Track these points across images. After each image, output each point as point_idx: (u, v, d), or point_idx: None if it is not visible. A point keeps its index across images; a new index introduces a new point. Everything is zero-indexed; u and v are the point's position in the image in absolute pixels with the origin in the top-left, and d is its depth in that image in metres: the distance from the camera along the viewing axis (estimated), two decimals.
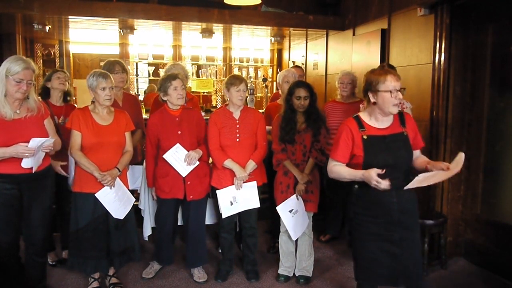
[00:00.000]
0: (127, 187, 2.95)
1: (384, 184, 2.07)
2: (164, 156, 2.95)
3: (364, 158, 2.19)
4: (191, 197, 3.05)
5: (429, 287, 2.39)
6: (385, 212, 2.22)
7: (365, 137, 2.21)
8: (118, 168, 2.81)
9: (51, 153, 2.63)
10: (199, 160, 3.02)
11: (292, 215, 3.04)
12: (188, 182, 3.03)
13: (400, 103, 3.22)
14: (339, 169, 2.27)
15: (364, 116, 2.30)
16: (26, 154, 2.42)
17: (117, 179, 2.83)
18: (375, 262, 2.27)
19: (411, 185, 2.10)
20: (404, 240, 2.23)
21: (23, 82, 2.45)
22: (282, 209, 3.05)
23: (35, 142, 2.43)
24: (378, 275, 2.28)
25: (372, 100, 2.22)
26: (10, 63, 2.44)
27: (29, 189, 2.56)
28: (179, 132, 3.01)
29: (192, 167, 2.99)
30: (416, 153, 2.34)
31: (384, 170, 2.08)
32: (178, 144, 2.96)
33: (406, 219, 2.23)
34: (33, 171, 2.53)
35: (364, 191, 2.24)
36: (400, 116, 2.29)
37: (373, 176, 2.07)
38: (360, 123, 2.25)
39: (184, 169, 2.97)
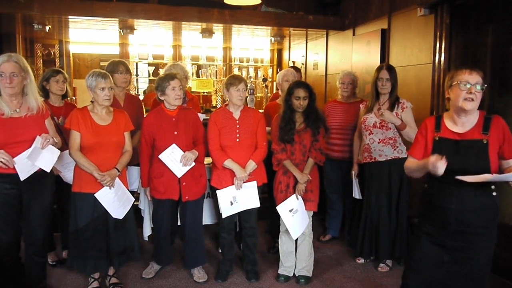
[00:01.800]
0: (127, 187, 2.95)
1: (440, 168, 1.96)
2: (160, 156, 2.95)
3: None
4: (187, 197, 3.05)
5: None
6: (441, 217, 2.11)
7: (436, 138, 2.14)
8: (117, 168, 2.81)
9: (52, 142, 2.62)
10: (195, 161, 3.01)
11: (292, 214, 3.04)
12: (184, 183, 3.03)
13: (400, 102, 3.27)
14: (407, 163, 2.23)
15: (445, 116, 2.18)
16: (2, 160, 2.40)
17: (117, 179, 2.83)
18: (420, 263, 2.19)
19: (467, 178, 1.95)
20: (456, 250, 2.09)
21: (5, 75, 2.43)
22: (282, 209, 3.05)
23: (24, 153, 2.44)
24: (421, 277, 2.19)
25: (446, 96, 2.14)
26: None
27: (28, 189, 2.56)
28: (175, 133, 3.00)
29: (187, 168, 2.98)
30: (507, 163, 2.06)
31: (443, 158, 1.96)
32: (174, 145, 2.96)
33: (464, 231, 2.07)
34: (48, 171, 2.56)
35: (428, 191, 2.18)
36: (486, 121, 2.07)
37: (431, 159, 1.97)
38: (438, 123, 2.16)
39: (179, 170, 2.97)
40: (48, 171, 2.57)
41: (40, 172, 2.59)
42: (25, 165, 2.49)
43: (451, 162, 1.99)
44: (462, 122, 2.10)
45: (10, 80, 2.44)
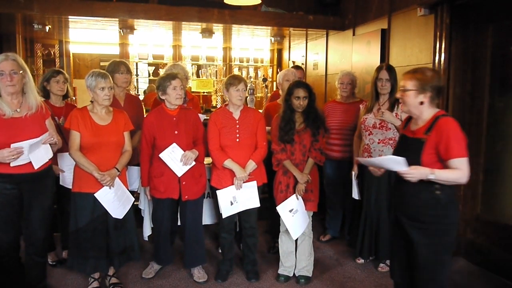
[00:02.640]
0: (126, 186, 2.95)
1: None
2: (161, 155, 2.95)
3: (393, 150, 2.38)
4: (186, 197, 3.05)
5: None
6: (395, 211, 2.30)
7: (401, 135, 2.37)
8: (117, 168, 2.81)
9: (53, 150, 2.62)
10: (195, 160, 3.01)
11: (292, 214, 3.04)
12: (184, 182, 3.03)
13: (400, 103, 3.26)
14: None
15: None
16: (13, 157, 2.40)
17: (116, 178, 2.83)
18: (394, 257, 2.41)
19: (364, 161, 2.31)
20: (408, 242, 2.23)
21: (5, 74, 2.43)
22: (282, 209, 3.05)
23: (25, 143, 2.43)
24: (392, 267, 2.40)
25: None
26: None
27: (29, 189, 2.56)
28: (176, 132, 3.01)
29: (188, 167, 2.99)
30: (449, 163, 2.09)
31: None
32: (174, 144, 2.96)
33: (411, 224, 2.20)
34: (35, 168, 2.52)
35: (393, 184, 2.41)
36: (433, 122, 2.15)
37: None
38: (407, 122, 2.36)
39: (179, 169, 2.97)
40: (36, 168, 2.53)
41: (41, 172, 2.59)
42: (36, 154, 2.49)
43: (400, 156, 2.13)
44: (416, 122, 2.25)
45: (11, 78, 2.45)
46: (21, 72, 2.50)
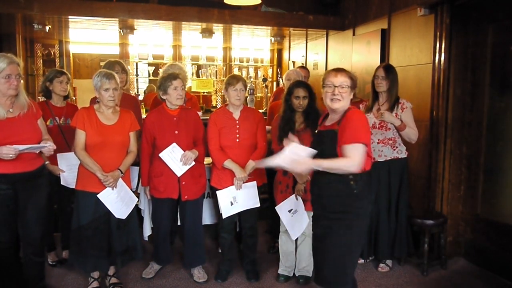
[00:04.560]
0: (130, 187, 2.95)
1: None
2: (160, 154, 2.95)
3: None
4: (186, 197, 3.05)
5: None
6: (312, 202, 2.37)
7: (316, 132, 2.42)
8: (120, 170, 2.81)
9: (47, 154, 2.63)
10: (194, 160, 3.01)
11: (292, 214, 3.04)
12: (183, 182, 3.03)
13: (400, 102, 3.27)
14: None
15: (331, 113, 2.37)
16: (10, 155, 2.40)
17: (120, 179, 2.83)
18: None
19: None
20: (317, 237, 2.30)
21: (11, 77, 2.45)
22: (281, 209, 3.05)
23: (24, 146, 2.44)
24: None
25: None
26: None
27: (24, 189, 2.56)
28: (176, 132, 3.01)
29: (187, 167, 2.99)
30: (342, 148, 2.16)
31: None
32: (174, 144, 2.96)
33: (322, 216, 2.25)
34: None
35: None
36: (344, 114, 2.24)
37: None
38: (324, 119, 2.41)
39: (179, 169, 2.98)
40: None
41: (35, 171, 2.59)
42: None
43: (317, 150, 2.18)
44: (332, 118, 2.32)
45: (17, 82, 2.47)
46: (21, 75, 2.54)
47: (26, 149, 2.45)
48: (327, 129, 2.29)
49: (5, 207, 2.52)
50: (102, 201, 2.76)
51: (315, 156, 2.14)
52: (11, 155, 2.39)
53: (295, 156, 2.10)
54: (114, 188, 2.79)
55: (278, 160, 2.11)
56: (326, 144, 2.23)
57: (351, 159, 2.10)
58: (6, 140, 2.43)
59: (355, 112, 2.24)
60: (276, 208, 3.07)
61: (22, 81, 2.59)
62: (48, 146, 2.52)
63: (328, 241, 2.21)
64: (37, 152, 2.57)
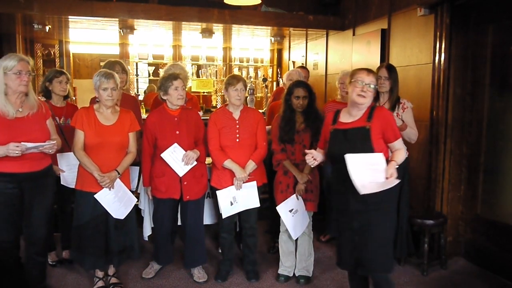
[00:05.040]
0: (129, 187, 2.95)
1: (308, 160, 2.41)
2: (162, 155, 2.95)
3: (328, 148, 2.45)
4: (188, 197, 3.05)
5: (389, 282, 2.41)
6: (344, 201, 2.37)
7: (331, 130, 2.44)
8: (117, 171, 2.81)
9: (51, 152, 2.63)
10: (196, 160, 3.02)
11: (292, 214, 3.05)
12: (185, 182, 3.03)
13: (401, 102, 3.27)
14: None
15: (343, 111, 2.49)
16: (17, 152, 2.41)
17: (118, 180, 2.83)
18: (339, 246, 2.48)
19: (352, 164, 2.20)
20: (362, 230, 2.32)
21: (22, 73, 2.48)
22: (282, 209, 3.05)
23: (30, 145, 2.45)
24: (343, 259, 2.46)
25: (347, 89, 2.47)
26: (4, 61, 2.49)
27: (30, 188, 2.57)
28: (177, 132, 3.01)
29: (189, 167, 2.99)
30: (393, 146, 2.37)
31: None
32: (176, 144, 2.96)
33: (365, 210, 2.30)
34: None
35: (331, 179, 2.50)
36: (370, 111, 2.37)
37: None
38: (335, 118, 2.48)
39: (181, 169, 2.98)
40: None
41: (42, 171, 2.60)
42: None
43: (342, 149, 2.30)
44: (354, 114, 2.40)
45: (27, 78, 2.50)
46: (31, 74, 2.57)
47: (33, 147, 2.45)
48: (355, 127, 2.35)
49: (11, 206, 2.53)
50: (99, 201, 2.76)
51: (343, 153, 2.24)
52: (17, 152, 2.41)
53: (373, 166, 2.19)
54: (112, 188, 2.79)
55: (361, 181, 2.17)
56: (357, 141, 2.31)
57: (403, 151, 2.39)
58: (13, 140, 2.44)
59: (384, 109, 2.46)
60: (277, 208, 3.07)
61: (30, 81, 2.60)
62: (50, 143, 2.52)
63: (373, 231, 2.31)
64: (45, 151, 2.55)
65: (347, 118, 2.42)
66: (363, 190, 2.16)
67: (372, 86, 2.33)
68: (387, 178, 2.18)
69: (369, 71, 2.39)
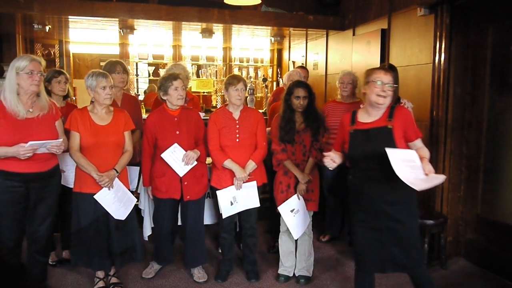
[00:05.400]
0: (128, 187, 2.95)
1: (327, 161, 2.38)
2: (162, 155, 2.95)
3: (348, 149, 2.41)
4: (188, 197, 3.05)
5: (427, 276, 2.42)
6: (368, 201, 2.35)
7: (351, 131, 2.41)
8: (116, 170, 2.81)
9: (59, 152, 2.64)
10: (196, 160, 3.02)
11: (294, 214, 3.05)
12: (185, 182, 3.04)
13: (401, 102, 3.27)
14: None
15: (359, 111, 2.47)
16: (28, 154, 2.45)
17: (117, 179, 2.83)
18: (363, 248, 2.42)
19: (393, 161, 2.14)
20: (390, 229, 2.31)
21: (34, 73, 2.50)
22: (284, 209, 3.05)
23: (38, 142, 2.47)
24: (367, 261, 2.43)
25: (363, 91, 2.42)
26: (17, 61, 2.52)
27: (36, 188, 2.60)
28: (177, 132, 3.01)
29: (189, 167, 2.99)
30: (414, 144, 2.37)
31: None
32: (176, 144, 2.96)
33: (391, 210, 2.30)
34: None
35: (352, 180, 2.44)
36: (391, 111, 2.36)
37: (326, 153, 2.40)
38: (353, 118, 2.45)
39: (181, 169, 2.98)
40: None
41: (49, 171, 2.63)
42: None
43: (365, 149, 2.31)
44: (374, 115, 2.38)
45: (39, 78, 2.52)
46: (43, 74, 2.60)
47: (40, 145, 2.47)
48: (376, 127, 2.34)
49: (17, 205, 2.55)
50: (99, 202, 2.76)
51: (369, 154, 2.27)
52: (28, 155, 2.45)
53: (410, 163, 2.15)
54: (111, 188, 2.79)
55: (407, 178, 2.10)
56: (380, 140, 2.28)
57: (426, 149, 2.37)
58: (23, 141, 2.45)
59: (403, 108, 2.46)
60: (278, 208, 3.07)
61: (42, 82, 2.62)
62: (57, 141, 2.55)
63: (402, 229, 2.30)
64: (52, 150, 2.56)
65: (366, 118, 2.40)
66: (414, 187, 2.09)
67: (390, 85, 2.30)
68: (426, 174, 2.14)
69: (386, 70, 2.36)
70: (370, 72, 2.38)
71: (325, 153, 2.42)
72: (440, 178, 2.16)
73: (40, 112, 2.59)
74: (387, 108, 2.36)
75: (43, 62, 2.62)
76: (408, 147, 2.33)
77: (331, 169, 2.44)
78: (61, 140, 2.58)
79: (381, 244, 2.34)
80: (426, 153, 2.32)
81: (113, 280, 3.03)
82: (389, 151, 2.13)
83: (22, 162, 2.48)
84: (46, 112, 2.62)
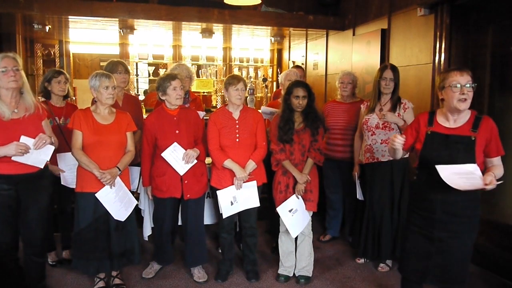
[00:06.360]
0: (129, 188, 2.95)
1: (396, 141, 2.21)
2: (162, 154, 2.95)
3: (421, 150, 2.26)
4: (188, 196, 3.06)
5: None
6: (428, 208, 2.25)
7: (429, 132, 2.26)
8: (118, 167, 2.81)
9: (47, 143, 2.61)
10: (196, 159, 3.02)
11: (292, 214, 3.05)
12: (186, 181, 3.04)
13: (402, 103, 3.27)
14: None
15: (438, 112, 2.30)
16: (19, 152, 2.42)
17: (118, 179, 2.83)
18: (410, 253, 2.34)
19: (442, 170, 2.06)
20: (442, 241, 2.23)
21: (8, 69, 2.45)
22: (282, 209, 3.06)
23: (27, 139, 2.46)
24: (409, 265, 2.35)
25: (440, 97, 2.26)
26: None
27: (26, 190, 2.56)
28: (177, 132, 3.01)
29: (190, 165, 2.99)
30: (491, 161, 2.21)
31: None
32: (175, 143, 2.97)
33: (449, 221, 2.21)
34: (41, 167, 2.56)
35: (417, 183, 2.32)
36: (476, 120, 2.20)
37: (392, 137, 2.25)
38: (431, 119, 2.29)
39: (182, 168, 2.98)
40: (42, 167, 2.56)
41: (38, 172, 2.59)
42: (35, 155, 2.51)
43: (440, 155, 2.17)
44: (454, 119, 2.23)
45: (14, 73, 2.46)
46: (21, 70, 2.53)
47: (30, 144, 2.46)
48: (458, 135, 2.18)
49: (7, 208, 2.52)
50: (100, 200, 2.76)
51: (444, 161, 2.12)
52: (20, 151, 2.42)
53: (467, 175, 2.05)
54: (113, 186, 2.79)
55: (462, 185, 2.04)
56: (460, 150, 2.15)
57: (502, 168, 2.19)
58: (7, 142, 2.43)
59: (490, 120, 2.23)
60: (277, 208, 3.07)
61: (26, 81, 2.58)
62: (41, 136, 2.51)
63: (456, 242, 2.23)
64: (40, 144, 2.53)
65: (446, 121, 2.25)
66: (472, 188, 2.04)
67: (470, 85, 2.13)
68: (486, 184, 2.03)
69: (461, 70, 2.17)
70: (444, 75, 2.20)
71: (397, 135, 2.25)
72: (494, 185, 2.05)
73: (26, 113, 2.54)
74: (471, 115, 2.22)
75: (18, 58, 2.54)
76: (483, 163, 2.19)
77: (395, 147, 2.25)
78: (44, 135, 2.53)
79: (429, 254, 2.26)
80: (499, 170, 2.15)
81: (116, 281, 3.03)
82: (439, 168, 2.05)
83: (11, 163, 2.45)
84: (33, 112, 2.58)
